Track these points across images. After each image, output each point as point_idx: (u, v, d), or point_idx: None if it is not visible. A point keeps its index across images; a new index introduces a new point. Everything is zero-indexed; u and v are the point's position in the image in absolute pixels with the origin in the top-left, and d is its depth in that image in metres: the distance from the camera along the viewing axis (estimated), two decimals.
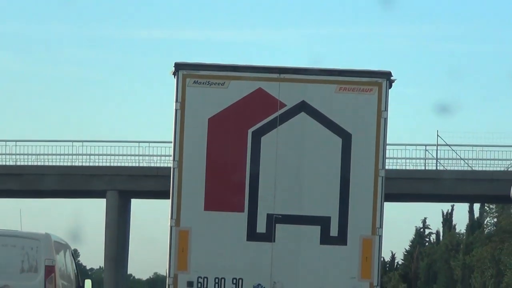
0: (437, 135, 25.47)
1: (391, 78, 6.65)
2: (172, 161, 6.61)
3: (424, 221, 50.14)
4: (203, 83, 6.56)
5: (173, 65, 6.55)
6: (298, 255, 6.51)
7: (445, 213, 45.55)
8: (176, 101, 6.52)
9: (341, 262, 6.52)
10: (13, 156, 24.98)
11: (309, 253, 6.52)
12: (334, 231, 6.51)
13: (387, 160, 11.94)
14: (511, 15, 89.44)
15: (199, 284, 6.42)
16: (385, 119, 6.55)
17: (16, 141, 25.42)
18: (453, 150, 25.05)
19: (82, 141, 26.65)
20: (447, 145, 25.15)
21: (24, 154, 25.09)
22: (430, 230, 51.04)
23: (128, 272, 32.75)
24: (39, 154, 25.19)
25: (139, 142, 27.27)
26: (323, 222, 6.51)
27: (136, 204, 31.62)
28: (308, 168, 6.59)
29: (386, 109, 6.57)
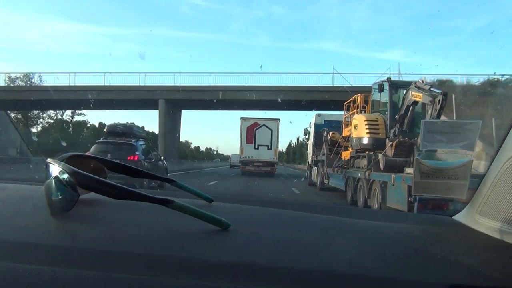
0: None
1: (279, 120, 34.22)
2: (239, 139, 33.07)
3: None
4: (246, 119, 33.43)
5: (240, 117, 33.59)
6: (262, 156, 33.22)
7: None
8: (241, 125, 33.26)
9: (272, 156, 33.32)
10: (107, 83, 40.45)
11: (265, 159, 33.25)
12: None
13: None
14: None
15: (245, 157, 32.89)
16: (278, 129, 33.84)
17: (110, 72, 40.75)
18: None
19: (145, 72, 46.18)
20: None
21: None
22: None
23: None
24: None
25: None
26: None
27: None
28: (267, 141, 33.39)
29: (278, 127, 33.91)
